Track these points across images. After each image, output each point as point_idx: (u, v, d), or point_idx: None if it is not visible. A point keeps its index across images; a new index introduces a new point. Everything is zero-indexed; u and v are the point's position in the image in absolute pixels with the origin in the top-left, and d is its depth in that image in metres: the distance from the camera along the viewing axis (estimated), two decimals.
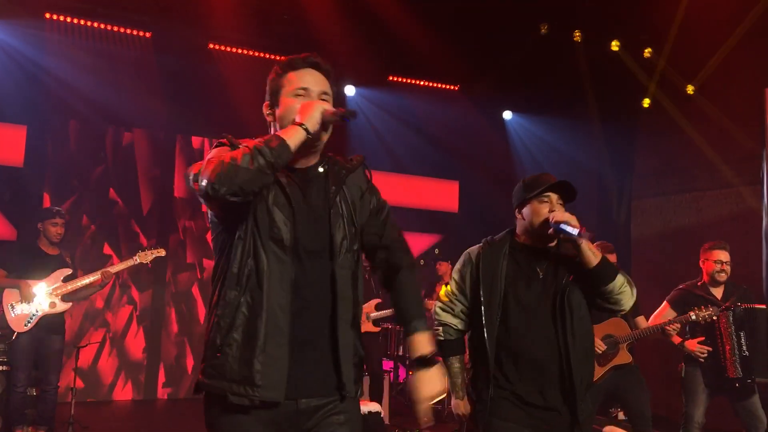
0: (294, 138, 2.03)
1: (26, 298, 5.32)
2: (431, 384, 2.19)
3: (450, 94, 9.90)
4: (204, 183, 1.92)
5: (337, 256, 2.15)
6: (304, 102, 2.11)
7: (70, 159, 8.27)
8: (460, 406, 2.99)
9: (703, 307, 4.78)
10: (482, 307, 2.78)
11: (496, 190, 9.95)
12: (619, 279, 2.72)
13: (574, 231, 2.61)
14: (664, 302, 5.08)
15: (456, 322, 2.96)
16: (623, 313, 2.90)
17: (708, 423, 5.00)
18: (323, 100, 2.18)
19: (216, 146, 2.14)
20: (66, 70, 7.92)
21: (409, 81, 9.71)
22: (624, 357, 4.90)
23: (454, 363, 2.98)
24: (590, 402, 2.83)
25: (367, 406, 5.52)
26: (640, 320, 5.04)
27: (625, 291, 2.73)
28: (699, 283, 5.04)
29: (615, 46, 7.98)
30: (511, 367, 2.74)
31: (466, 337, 3.04)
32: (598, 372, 4.92)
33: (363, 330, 7.26)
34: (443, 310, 2.99)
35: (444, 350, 2.97)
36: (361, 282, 2.26)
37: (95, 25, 7.98)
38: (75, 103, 8.07)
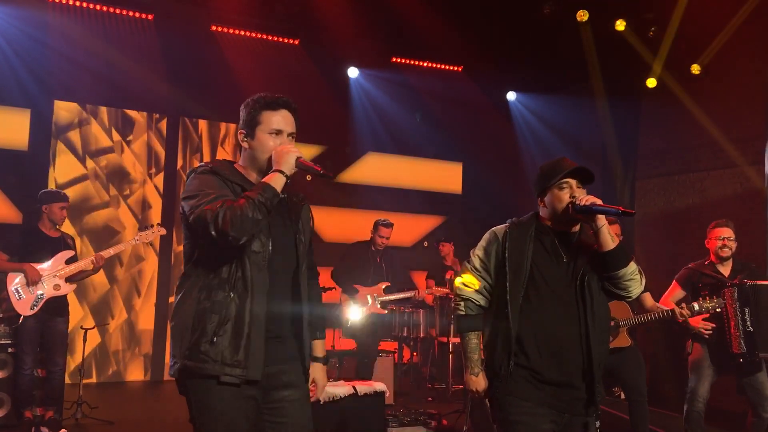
0: (279, 184, 2.50)
1: (31, 281, 5.35)
2: (325, 376, 2.91)
3: (453, 75, 9.87)
4: (222, 232, 2.37)
5: (299, 270, 2.69)
6: (280, 148, 2.59)
7: (74, 142, 8.28)
8: (476, 382, 2.99)
9: (707, 297, 4.81)
10: (507, 284, 2.82)
11: (500, 172, 9.97)
12: (632, 265, 2.78)
13: (611, 208, 2.68)
14: (673, 282, 5.10)
15: (478, 298, 2.99)
16: (630, 298, 2.92)
17: (712, 402, 5.04)
18: (292, 138, 2.70)
19: (202, 173, 2.56)
20: (69, 54, 7.92)
21: (412, 62, 9.68)
22: (623, 340, 4.93)
23: (472, 338, 3.00)
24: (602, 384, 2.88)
25: (372, 386, 5.57)
26: (645, 297, 5.06)
27: (635, 278, 2.80)
28: (706, 262, 5.09)
29: (620, 25, 7.93)
30: (531, 343, 2.78)
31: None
32: None
33: (370, 311, 7.27)
34: (466, 285, 3.01)
35: (462, 324, 3.02)
36: (313, 288, 2.86)
37: (97, 7, 7.97)
38: (78, 86, 8.08)
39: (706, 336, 4.92)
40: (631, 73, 8.52)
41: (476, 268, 2.98)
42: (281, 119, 2.69)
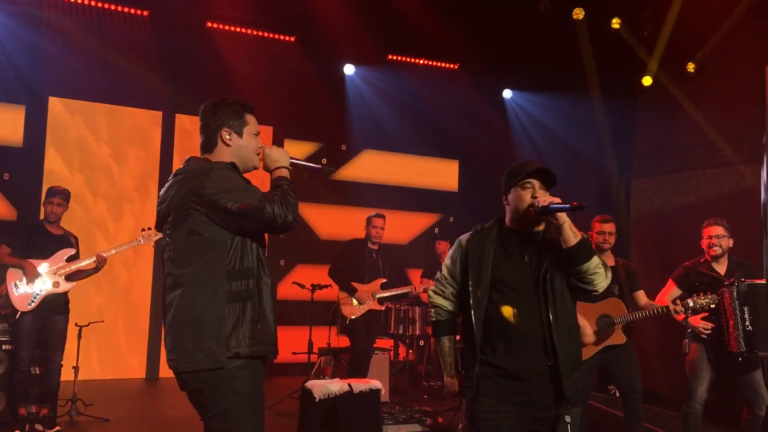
0: (289, 177, 2.84)
1: (30, 277, 5.33)
2: None
3: (449, 73, 9.87)
4: (290, 219, 2.66)
5: None
6: (276, 149, 2.90)
7: (69, 138, 8.25)
8: (452, 383, 3.19)
9: (702, 294, 4.83)
10: (470, 289, 2.95)
11: (496, 169, 9.86)
12: (595, 260, 2.85)
13: (566, 205, 2.76)
14: (669, 280, 5.12)
15: (447, 304, 3.14)
16: (597, 293, 2.94)
17: (710, 400, 5.05)
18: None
19: (229, 169, 2.73)
20: (64, 50, 7.90)
21: (408, 60, 9.67)
22: (618, 338, 4.95)
23: (445, 343, 3.17)
24: (578, 380, 2.93)
25: (368, 384, 5.56)
26: (639, 295, 5.08)
27: (599, 272, 2.86)
28: (701, 260, 5.10)
29: (616, 23, 7.93)
30: (498, 342, 2.88)
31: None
32: (591, 351, 4.97)
33: (367, 308, 7.28)
34: (435, 293, 3.18)
35: (436, 330, 3.20)
36: None
37: (93, 3, 7.94)
38: (73, 82, 8.05)
39: (705, 336, 4.93)
40: (627, 72, 8.53)
41: (444, 276, 3.14)
42: (256, 121, 2.95)
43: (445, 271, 3.15)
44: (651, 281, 5.33)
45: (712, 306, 4.81)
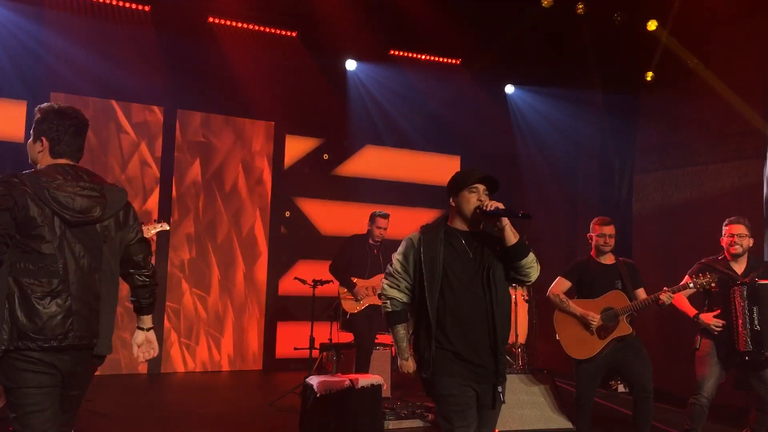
0: None
1: None
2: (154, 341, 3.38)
3: (451, 68, 9.84)
4: None
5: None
6: None
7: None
8: (407, 365, 3.64)
9: (701, 274, 4.84)
10: (425, 283, 3.35)
11: (498, 165, 9.94)
12: (531, 256, 3.34)
13: (515, 212, 3.22)
14: (686, 276, 5.10)
15: (401, 296, 3.51)
16: (530, 283, 3.48)
17: (717, 399, 5.04)
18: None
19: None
20: (65, 45, 7.88)
21: (410, 55, 9.64)
22: (624, 329, 4.95)
23: (400, 330, 3.57)
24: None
25: (369, 379, 5.56)
26: (640, 293, 5.08)
27: (533, 267, 3.35)
28: (720, 258, 5.09)
29: (619, 18, 7.90)
30: (451, 330, 3.31)
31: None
32: (599, 345, 4.98)
33: (367, 303, 7.28)
34: (390, 286, 3.53)
35: (391, 319, 3.57)
36: None
37: None
38: (74, 78, 8.04)
39: (716, 333, 4.93)
40: (630, 67, 8.50)
41: (398, 271, 3.50)
42: None
43: (398, 266, 3.50)
44: (653, 277, 5.33)
45: (713, 284, 4.84)
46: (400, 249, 3.55)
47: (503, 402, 3.39)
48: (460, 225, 3.45)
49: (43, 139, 3.11)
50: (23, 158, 8.23)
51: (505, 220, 3.25)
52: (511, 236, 3.27)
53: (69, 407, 3.03)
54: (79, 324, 2.92)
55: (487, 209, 3.27)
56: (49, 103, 3.19)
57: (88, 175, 3.10)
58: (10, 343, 2.80)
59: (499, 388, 3.34)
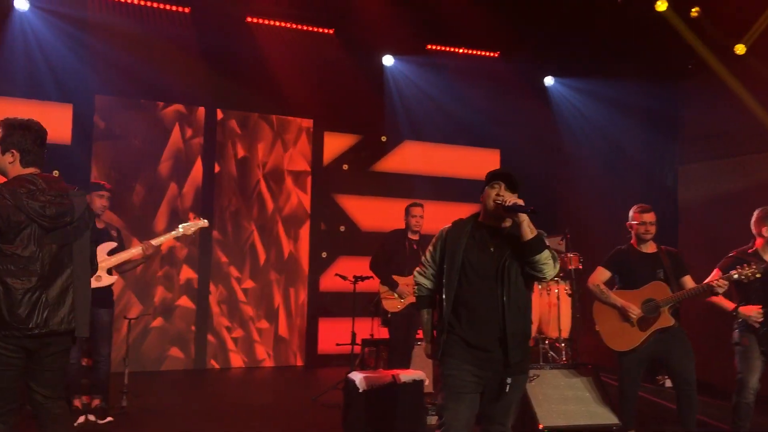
0: None
1: None
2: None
3: (489, 61, 9.77)
4: None
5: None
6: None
7: (116, 135, 8.42)
8: (427, 347, 3.84)
9: (746, 265, 4.71)
10: (445, 273, 3.58)
11: (539, 158, 9.85)
12: (546, 252, 3.46)
13: (526, 207, 3.39)
14: (715, 269, 4.98)
15: (427, 283, 3.79)
16: (545, 280, 3.61)
17: (762, 390, 4.93)
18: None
19: None
20: (108, 48, 8.05)
21: (447, 49, 9.60)
22: (666, 320, 4.87)
23: (424, 314, 3.84)
24: (527, 351, 3.61)
25: (411, 374, 5.57)
26: (687, 280, 4.97)
27: (548, 263, 3.47)
28: (750, 250, 4.95)
29: (661, 5, 7.73)
30: (464, 317, 3.51)
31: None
32: (640, 336, 4.91)
33: (408, 302, 7.23)
34: (419, 273, 3.81)
35: (418, 303, 3.88)
36: None
37: (135, 1, 8.07)
38: (118, 79, 8.21)
39: (757, 326, 4.81)
40: (673, 56, 8.32)
41: (427, 260, 3.77)
42: None
43: (428, 255, 3.76)
44: (698, 269, 5.21)
45: (758, 275, 4.69)
46: (433, 240, 3.80)
47: (511, 394, 3.47)
48: (486, 220, 3.63)
49: (14, 151, 3.45)
50: (70, 160, 8.44)
51: (524, 216, 3.41)
52: (528, 232, 3.42)
53: (53, 381, 3.62)
54: (56, 312, 3.41)
55: (505, 204, 3.45)
56: (11, 117, 3.52)
57: (56, 182, 3.51)
58: None
59: (509, 380, 3.44)
